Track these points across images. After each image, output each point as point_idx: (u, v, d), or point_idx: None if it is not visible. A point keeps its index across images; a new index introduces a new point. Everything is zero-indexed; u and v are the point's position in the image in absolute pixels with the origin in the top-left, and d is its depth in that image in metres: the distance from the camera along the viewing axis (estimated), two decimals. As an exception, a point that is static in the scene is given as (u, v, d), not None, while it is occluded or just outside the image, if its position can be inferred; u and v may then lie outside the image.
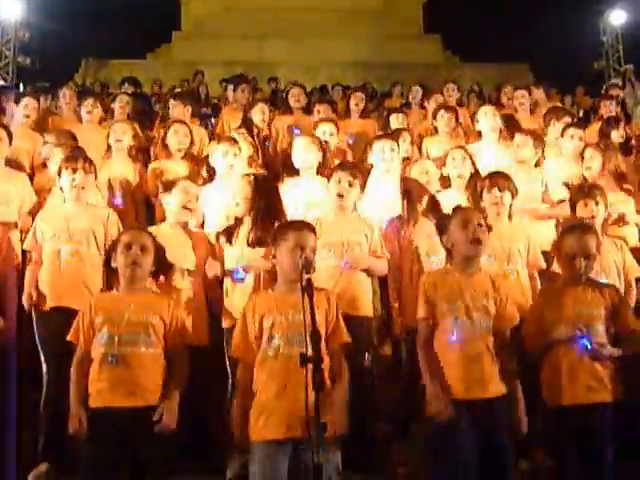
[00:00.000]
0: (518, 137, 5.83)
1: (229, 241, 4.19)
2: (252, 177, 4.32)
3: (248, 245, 4.09)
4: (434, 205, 4.61)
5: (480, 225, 3.56)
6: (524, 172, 5.48)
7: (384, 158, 5.22)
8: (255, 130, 6.63)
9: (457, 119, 6.92)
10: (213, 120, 8.68)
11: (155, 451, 3.27)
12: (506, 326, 3.56)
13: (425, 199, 4.62)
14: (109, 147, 5.75)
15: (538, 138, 5.86)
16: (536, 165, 5.73)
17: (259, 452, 3.18)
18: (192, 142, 5.91)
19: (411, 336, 4.01)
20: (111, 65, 16.09)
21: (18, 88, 10.59)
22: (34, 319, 4.24)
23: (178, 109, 6.93)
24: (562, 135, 6.12)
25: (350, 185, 4.35)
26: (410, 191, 4.62)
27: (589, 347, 3.48)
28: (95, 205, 4.69)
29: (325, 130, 6.02)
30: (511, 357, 3.54)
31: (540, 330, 3.63)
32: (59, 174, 4.45)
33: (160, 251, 3.58)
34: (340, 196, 4.34)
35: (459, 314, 3.44)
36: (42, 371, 4.15)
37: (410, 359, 4.14)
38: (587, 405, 3.47)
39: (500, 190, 4.42)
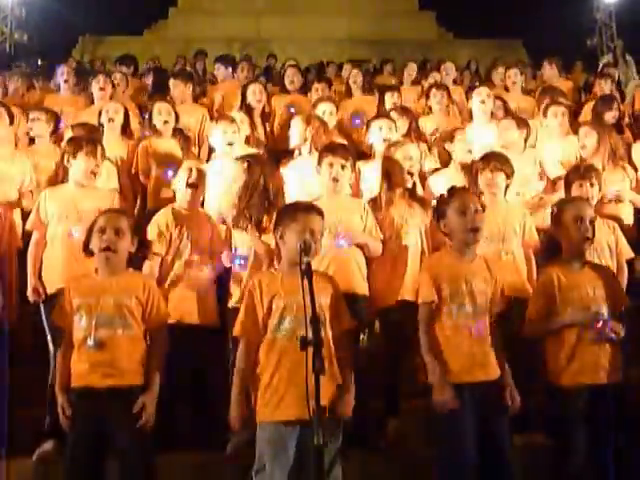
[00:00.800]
0: (503, 121, 5.88)
1: (236, 224, 4.21)
2: (245, 161, 4.32)
3: (236, 228, 4.18)
4: (413, 189, 4.63)
5: (477, 211, 3.58)
6: (513, 155, 5.42)
7: (383, 138, 5.24)
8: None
9: (450, 97, 6.98)
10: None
11: (132, 432, 3.31)
12: (495, 310, 3.60)
13: (407, 182, 4.58)
14: (101, 126, 5.77)
15: (522, 120, 5.88)
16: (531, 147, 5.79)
17: (269, 433, 3.20)
18: (177, 119, 5.94)
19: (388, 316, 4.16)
20: (108, 41, 16.01)
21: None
22: (41, 303, 4.26)
23: (179, 88, 6.98)
24: (545, 115, 6.20)
25: (343, 168, 4.34)
26: (390, 172, 4.56)
27: (606, 330, 3.53)
28: (99, 187, 4.67)
29: (325, 109, 6.03)
30: (501, 339, 3.58)
31: (544, 315, 3.67)
32: (72, 155, 4.41)
33: (140, 233, 3.62)
34: (335, 180, 4.33)
35: (462, 298, 3.50)
36: (49, 352, 4.18)
37: (390, 337, 4.25)
38: (600, 386, 3.54)
39: (493, 171, 4.48)
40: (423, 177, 5.31)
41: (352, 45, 15.67)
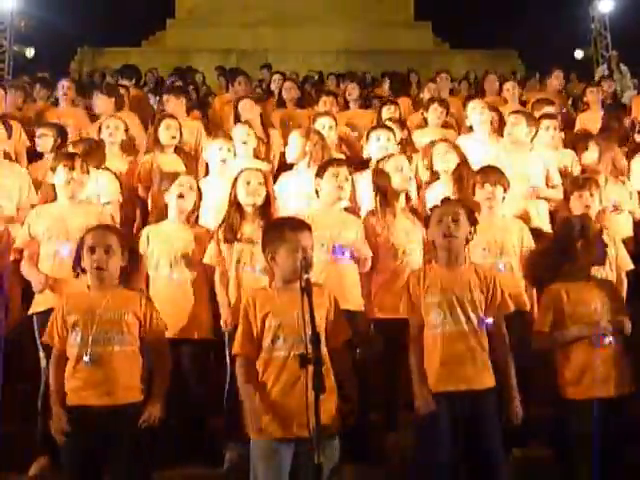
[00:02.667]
0: (512, 116, 5.84)
1: (233, 239, 4.21)
2: (241, 172, 4.36)
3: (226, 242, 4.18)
4: (408, 201, 4.63)
5: (455, 220, 3.58)
6: (520, 152, 5.54)
7: (381, 149, 5.27)
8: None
9: (448, 112, 7.00)
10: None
11: (130, 450, 3.28)
12: (498, 315, 3.59)
13: (402, 195, 4.57)
14: (102, 141, 5.74)
15: (531, 117, 5.88)
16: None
17: (262, 450, 3.20)
18: (181, 136, 5.97)
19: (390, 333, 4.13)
20: (106, 53, 16.12)
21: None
22: (34, 318, 4.22)
23: (172, 103, 6.99)
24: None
25: (347, 179, 4.38)
26: (381, 186, 4.55)
27: (611, 342, 3.58)
28: (88, 201, 4.68)
29: (324, 123, 6.03)
30: (506, 347, 3.57)
31: (552, 329, 3.68)
32: (53, 170, 4.42)
33: (129, 248, 3.56)
34: (340, 188, 4.35)
35: (444, 308, 3.49)
36: (40, 366, 4.16)
37: (389, 351, 4.23)
38: (612, 398, 3.54)
39: (492, 185, 4.48)
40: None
41: (348, 56, 15.79)
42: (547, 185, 5.51)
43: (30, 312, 4.23)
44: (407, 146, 5.95)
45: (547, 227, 5.25)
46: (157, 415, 3.39)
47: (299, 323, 3.14)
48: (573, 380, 3.60)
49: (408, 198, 4.67)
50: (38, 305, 4.20)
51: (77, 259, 3.53)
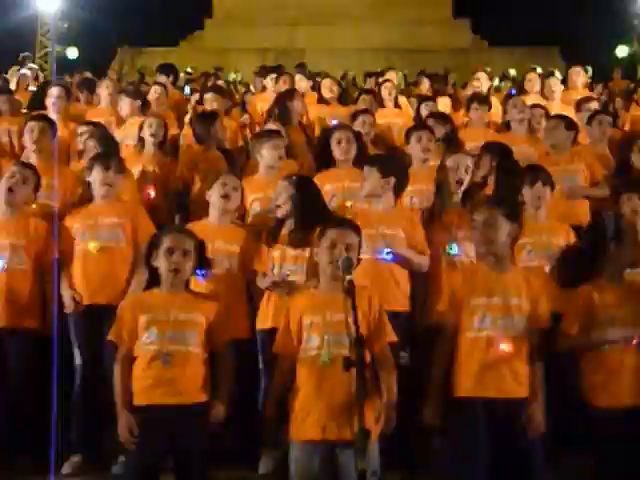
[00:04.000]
0: (551, 120, 5.75)
1: (270, 243, 4.20)
2: (294, 178, 4.32)
3: (289, 246, 4.13)
4: (465, 198, 4.51)
5: (491, 225, 3.47)
6: (560, 152, 5.48)
7: (422, 148, 5.20)
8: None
9: (490, 109, 6.88)
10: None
11: (198, 448, 3.29)
12: (535, 328, 3.46)
13: (459, 192, 4.49)
14: (141, 140, 5.79)
15: (571, 122, 5.74)
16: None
17: (295, 452, 3.20)
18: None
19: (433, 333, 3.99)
20: (145, 53, 16.36)
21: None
22: (69, 316, 4.27)
23: (213, 102, 6.94)
24: (590, 123, 6.06)
25: (383, 177, 4.30)
26: (441, 183, 4.51)
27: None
28: (122, 200, 4.69)
29: (365, 120, 6.01)
30: (540, 358, 3.45)
31: (581, 331, 3.56)
32: (90, 170, 4.47)
33: (202, 250, 3.57)
34: (374, 188, 4.31)
35: (486, 312, 3.40)
36: (74, 364, 4.20)
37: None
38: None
39: (543, 184, 4.41)
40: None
41: (386, 54, 15.71)
42: (589, 183, 5.44)
43: (66, 311, 4.28)
44: (452, 141, 5.88)
45: None
46: (222, 415, 3.40)
47: (331, 323, 3.16)
48: (601, 386, 3.47)
49: (467, 195, 4.59)
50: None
51: (147, 258, 3.52)
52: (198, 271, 3.61)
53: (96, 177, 4.43)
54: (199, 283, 3.86)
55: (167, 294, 3.47)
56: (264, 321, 4.10)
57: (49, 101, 6.72)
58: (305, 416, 3.19)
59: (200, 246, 3.54)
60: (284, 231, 4.20)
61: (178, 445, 3.28)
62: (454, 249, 4.19)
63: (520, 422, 3.31)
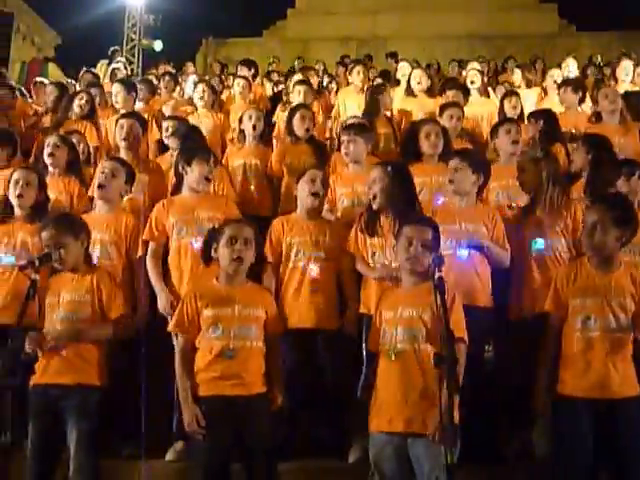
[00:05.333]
0: None
1: (371, 233, 4.18)
2: (389, 167, 4.27)
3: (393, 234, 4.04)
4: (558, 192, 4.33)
5: (598, 228, 3.39)
6: None
7: (511, 141, 5.07)
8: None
9: (584, 95, 6.63)
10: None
11: (263, 438, 3.39)
12: None
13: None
14: (242, 132, 5.82)
15: None
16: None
17: (373, 442, 3.29)
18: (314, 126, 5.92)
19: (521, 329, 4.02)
20: (229, 44, 16.57)
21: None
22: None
23: (300, 94, 6.98)
24: None
25: (456, 169, 4.24)
26: (530, 178, 4.38)
27: None
28: (214, 193, 4.70)
29: (452, 114, 5.88)
30: None
31: None
32: (188, 163, 4.43)
33: (260, 242, 3.63)
34: (451, 182, 4.26)
35: (591, 311, 3.37)
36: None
37: (521, 348, 4.05)
38: None
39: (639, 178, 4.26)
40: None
41: (469, 41, 15.40)
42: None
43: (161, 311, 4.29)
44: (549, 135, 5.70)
45: None
46: (282, 404, 3.53)
47: (410, 318, 3.24)
48: None
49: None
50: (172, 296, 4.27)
51: (207, 249, 3.60)
52: None
53: (196, 171, 4.42)
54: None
55: (228, 287, 3.52)
56: (369, 306, 4.08)
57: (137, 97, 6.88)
58: (382, 408, 3.26)
59: (258, 237, 3.60)
60: (384, 221, 4.18)
61: (244, 435, 3.37)
62: (539, 244, 4.11)
63: (624, 422, 3.26)
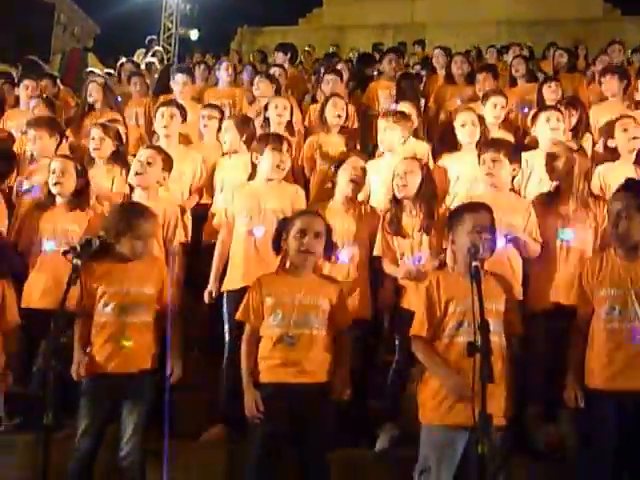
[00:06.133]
0: None
1: (395, 232, 4.18)
2: (423, 162, 4.29)
3: (419, 232, 4.13)
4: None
5: (627, 216, 3.31)
6: None
7: (551, 129, 5.00)
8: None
9: (628, 83, 6.41)
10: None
11: (320, 427, 3.41)
12: None
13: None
14: (266, 120, 5.79)
15: None
16: None
17: (437, 436, 3.24)
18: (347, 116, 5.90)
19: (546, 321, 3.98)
20: (265, 32, 16.55)
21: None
22: (225, 296, 4.33)
23: (333, 83, 6.92)
24: None
25: (494, 161, 4.22)
26: (556, 167, 4.34)
27: None
28: (284, 182, 4.64)
29: (496, 103, 5.73)
30: None
31: None
32: (259, 152, 4.47)
33: (329, 234, 3.60)
34: (489, 175, 4.24)
35: (616, 302, 3.32)
36: (224, 340, 4.29)
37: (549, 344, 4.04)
38: None
39: None
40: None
41: (510, 27, 15.15)
42: None
43: (223, 289, 4.37)
44: (582, 126, 5.61)
45: None
46: (345, 396, 3.51)
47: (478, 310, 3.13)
48: None
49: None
50: (231, 284, 4.32)
51: (277, 239, 3.61)
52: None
53: (269, 159, 4.42)
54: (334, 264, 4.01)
55: (293, 277, 3.54)
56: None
57: (176, 88, 6.91)
58: (448, 401, 3.20)
59: (328, 229, 3.59)
60: (405, 215, 4.19)
61: (301, 423, 3.39)
62: (566, 234, 4.07)
63: None
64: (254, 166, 4.56)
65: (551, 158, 4.39)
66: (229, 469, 3.95)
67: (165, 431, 3.61)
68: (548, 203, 4.27)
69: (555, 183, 4.36)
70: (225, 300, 4.32)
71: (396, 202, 4.26)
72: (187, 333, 4.48)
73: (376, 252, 4.25)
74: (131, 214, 3.70)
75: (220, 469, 3.98)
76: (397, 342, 4.14)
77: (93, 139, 5.20)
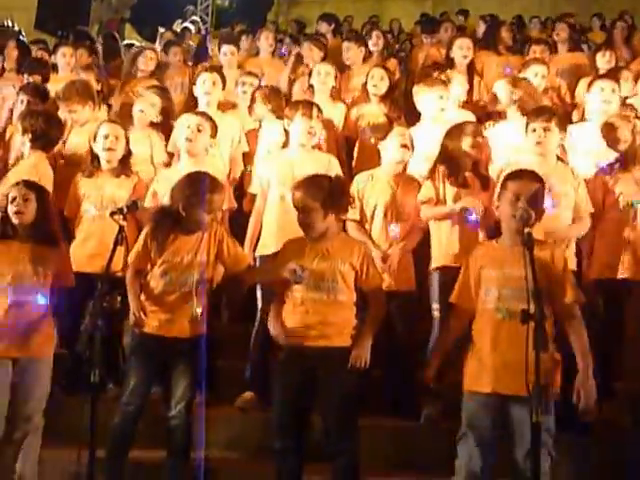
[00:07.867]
0: None
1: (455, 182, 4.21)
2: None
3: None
4: None
5: None
6: None
7: (604, 100, 4.91)
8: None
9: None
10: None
11: (338, 389, 3.41)
12: None
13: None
14: (311, 86, 5.78)
15: None
16: None
17: (468, 403, 3.23)
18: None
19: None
20: (302, 3, 16.34)
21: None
22: (258, 260, 4.37)
23: (352, 51, 6.75)
24: None
25: (545, 130, 4.16)
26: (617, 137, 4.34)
27: None
28: (317, 150, 4.67)
29: (537, 72, 5.71)
30: None
31: None
32: (290, 118, 4.52)
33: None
34: (538, 144, 4.18)
35: None
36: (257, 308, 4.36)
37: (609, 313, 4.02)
38: None
39: None
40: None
41: (553, -2, 14.73)
42: None
43: (256, 254, 4.40)
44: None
45: None
46: (365, 357, 3.48)
47: (511, 277, 3.09)
48: None
49: None
50: (264, 249, 4.36)
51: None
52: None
53: (299, 125, 4.47)
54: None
55: (316, 241, 3.56)
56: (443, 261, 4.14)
57: (223, 58, 6.97)
58: (480, 368, 3.18)
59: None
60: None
61: (319, 385, 3.42)
62: (636, 202, 4.05)
63: None
64: (287, 133, 4.59)
65: (609, 128, 4.35)
66: (261, 433, 3.99)
67: (202, 395, 3.64)
68: (614, 172, 4.23)
69: (617, 154, 4.32)
70: (258, 265, 4.35)
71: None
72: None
73: (421, 197, 4.26)
74: (204, 187, 3.64)
75: (253, 433, 4.09)
76: (436, 312, 4.13)
77: (139, 103, 5.21)
